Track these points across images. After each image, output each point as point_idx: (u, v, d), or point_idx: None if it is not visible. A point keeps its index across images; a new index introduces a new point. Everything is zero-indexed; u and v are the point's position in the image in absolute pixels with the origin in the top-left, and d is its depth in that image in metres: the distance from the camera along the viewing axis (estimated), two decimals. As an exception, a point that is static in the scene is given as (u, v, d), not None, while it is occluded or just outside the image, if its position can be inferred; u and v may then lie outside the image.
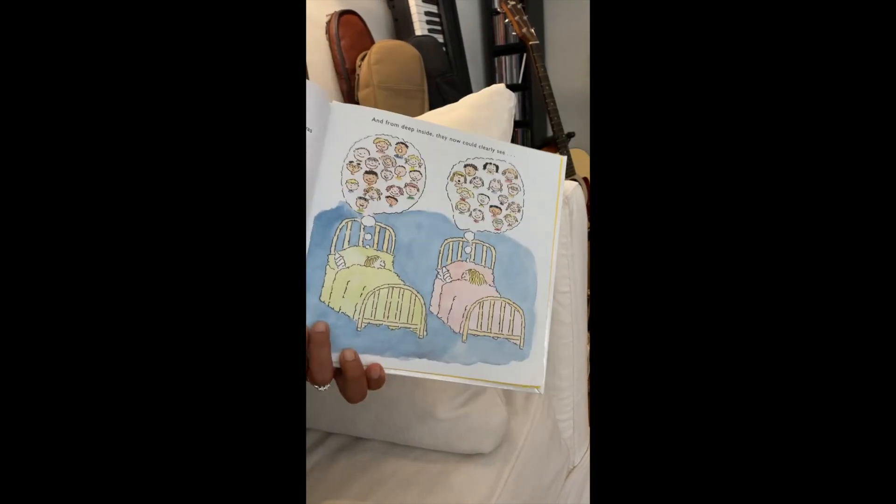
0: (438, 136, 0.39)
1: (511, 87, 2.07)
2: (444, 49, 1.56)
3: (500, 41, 2.08)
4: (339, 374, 0.34)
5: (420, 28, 1.50)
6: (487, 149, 0.40)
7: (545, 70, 1.41)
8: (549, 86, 1.41)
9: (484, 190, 0.39)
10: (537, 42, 1.40)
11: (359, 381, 0.34)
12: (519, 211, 0.39)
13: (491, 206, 0.39)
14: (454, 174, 0.38)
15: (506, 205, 0.39)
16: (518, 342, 0.37)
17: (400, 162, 0.37)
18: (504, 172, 0.40)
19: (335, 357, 0.33)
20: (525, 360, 0.37)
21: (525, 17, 1.41)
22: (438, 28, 1.59)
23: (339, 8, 1.33)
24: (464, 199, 0.38)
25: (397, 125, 0.38)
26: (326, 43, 1.33)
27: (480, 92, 0.61)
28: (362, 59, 1.30)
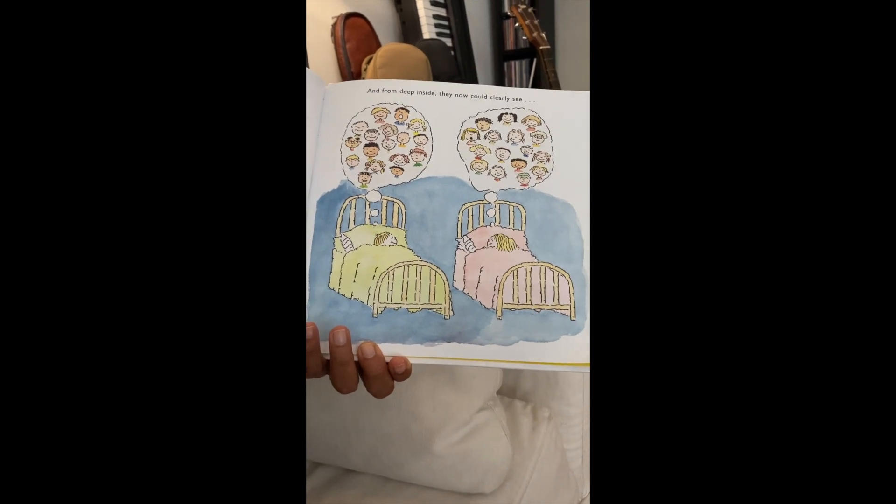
0: (442, 94, 0.35)
1: (520, 92, 2.04)
2: (452, 53, 1.53)
3: (509, 46, 2.04)
4: (358, 368, 0.30)
5: (428, 31, 1.47)
6: (501, 98, 0.35)
7: (556, 76, 1.36)
8: (560, 92, 1.36)
9: (502, 143, 0.34)
10: (548, 47, 1.36)
11: (382, 379, 0.30)
12: (548, 160, 0.34)
13: (513, 160, 0.34)
14: (465, 132, 0.34)
15: (531, 156, 0.34)
16: (567, 312, 0.31)
17: (402, 128, 0.34)
18: (524, 121, 0.35)
19: (353, 348, 0.30)
20: (580, 334, 0.31)
21: (536, 22, 1.37)
22: (447, 31, 1.55)
23: (345, 10, 1.30)
24: (479, 158, 0.34)
25: (395, 91, 0.35)
26: (332, 45, 1.30)
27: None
28: (368, 62, 1.27)
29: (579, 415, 0.65)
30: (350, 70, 1.28)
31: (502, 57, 2.06)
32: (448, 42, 1.53)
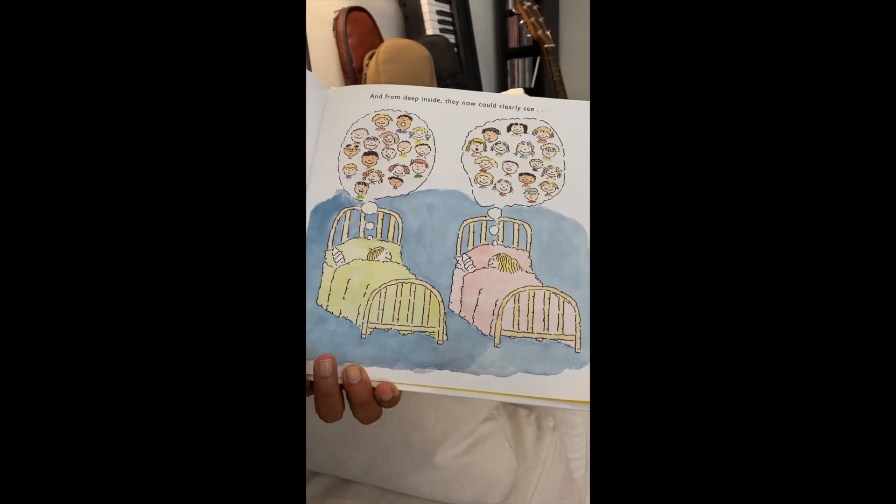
0: (448, 101, 0.33)
1: (524, 90, 2.02)
2: (455, 50, 1.51)
3: (513, 43, 2.02)
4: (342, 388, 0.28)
5: (431, 27, 1.45)
6: (511, 107, 0.33)
7: (560, 74, 1.35)
8: (564, 90, 1.35)
9: (510, 156, 0.32)
10: (553, 45, 1.34)
11: (367, 405, 0.28)
12: (559, 176, 0.32)
13: (521, 175, 0.32)
14: (470, 142, 0.32)
15: (540, 170, 0.32)
16: (572, 343, 0.29)
17: (403, 137, 0.32)
18: (535, 132, 0.33)
19: (339, 371, 0.28)
20: (584, 368, 0.28)
21: (541, 19, 1.35)
22: (450, 28, 1.53)
23: (347, 4, 1.28)
24: (485, 171, 0.32)
25: (399, 97, 0.33)
26: (333, 40, 1.28)
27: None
28: (370, 57, 1.25)
29: (583, 423, 0.64)
30: (352, 65, 1.26)
31: (506, 54, 2.04)
32: (451, 38, 1.51)
